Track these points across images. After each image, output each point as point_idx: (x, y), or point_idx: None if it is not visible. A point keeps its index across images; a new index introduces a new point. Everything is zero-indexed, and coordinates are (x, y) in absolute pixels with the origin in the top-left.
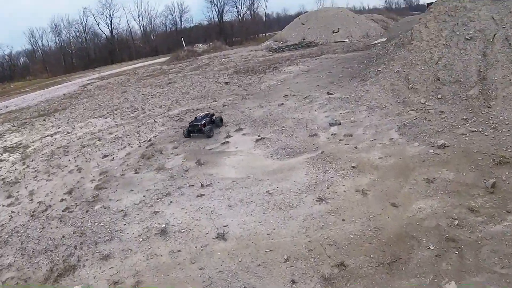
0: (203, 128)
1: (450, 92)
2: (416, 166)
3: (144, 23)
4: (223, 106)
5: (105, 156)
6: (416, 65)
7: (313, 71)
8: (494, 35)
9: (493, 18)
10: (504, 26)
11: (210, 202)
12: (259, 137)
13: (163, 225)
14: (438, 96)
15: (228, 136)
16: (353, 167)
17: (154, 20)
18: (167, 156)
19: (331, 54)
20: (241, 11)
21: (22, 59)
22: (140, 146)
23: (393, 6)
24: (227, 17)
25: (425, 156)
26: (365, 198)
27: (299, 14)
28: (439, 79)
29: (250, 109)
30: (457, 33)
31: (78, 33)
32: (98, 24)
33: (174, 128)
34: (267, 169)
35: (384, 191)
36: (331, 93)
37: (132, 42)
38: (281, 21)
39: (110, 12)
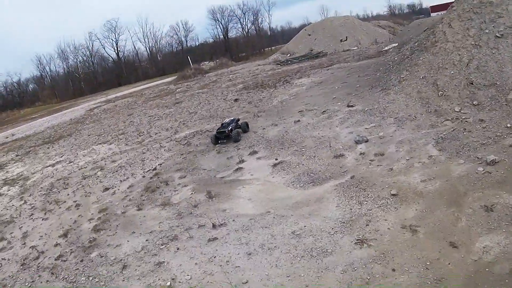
0: (230, 133)
1: (486, 97)
2: (468, 189)
3: (150, 44)
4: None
5: (106, 189)
6: (445, 69)
7: (327, 82)
8: None
9: None
10: None
11: (225, 249)
12: (277, 161)
13: (169, 283)
14: (474, 103)
15: (242, 161)
16: (393, 195)
17: (160, 41)
18: (173, 187)
19: (343, 63)
20: (246, 26)
21: (31, 85)
22: (144, 177)
23: (396, 12)
24: (232, 34)
25: (475, 176)
26: (415, 237)
27: (303, 26)
28: (472, 83)
29: (263, 128)
30: (486, 31)
31: (85, 58)
32: (104, 48)
33: (181, 154)
34: (290, 202)
35: (437, 226)
36: (352, 106)
37: (139, 64)
38: (285, 34)
39: (115, 35)
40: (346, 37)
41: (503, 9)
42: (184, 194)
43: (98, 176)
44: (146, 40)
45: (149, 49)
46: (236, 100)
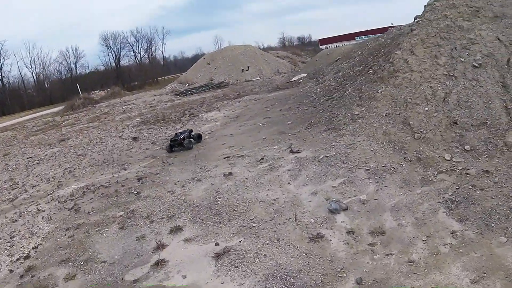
0: (183, 141)
1: (479, 140)
2: None
3: (37, 71)
4: (139, 181)
5: None
6: (415, 105)
7: (244, 117)
8: (508, 60)
9: (499, 39)
10: None
11: None
12: (219, 248)
13: None
14: (465, 147)
15: (161, 246)
16: None
17: (48, 67)
18: None
19: (253, 94)
20: (139, 54)
21: None
22: (11, 272)
23: (286, 43)
24: (124, 62)
25: None
26: None
27: (196, 56)
28: (456, 123)
29: (182, 186)
30: (462, 59)
31: None
32: None
33: (67, 229)
34: None
35: None
36: (297, 151)
37: (25, 91)
38: (178, 64)
39: (0, 60)
40: (248, 66)
41: (476, 34)
42: None
43: None
44: (33, 65)
45: (36, 75)
46: (135, 138)
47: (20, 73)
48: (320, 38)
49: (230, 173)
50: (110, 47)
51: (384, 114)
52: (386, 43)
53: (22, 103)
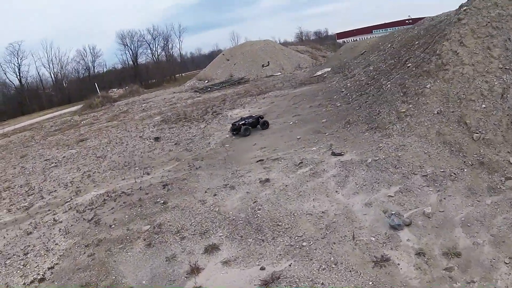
0: (241, 127)
1: None
2: None
3: (55, 70)
4: (165, 188)
5: None
6: (471, 102)
7: (272, 115)
8: None
9: None
10: None
11: None
12: (266, 273)
13: None
14: None
15: (196, 270)
16: None
17: (66, 66)
18: None
19: (277, 90)
20: (156, 52)
21: None
22: None
23: (303, 38)
24: (141, 59)
25: None
26: None
27: (213, 53)
28: None
29: (214, 194)
30: None
31: None
32: (5, 73)
33: (86, 245)
34: None
35: None
36: (339, 154)
37: (43, 91)
38: (195, 61)
39: (18, 60)
40: (268, 62)
41: None
42: None
43: None
44: (51, 65)
45: (54, 75)
46: (156, 138)
47: (38, 73)
48: (337, 32)
49: (267, 180)
50: (127, 45)
51: (436, 112)
52: (420, 34)
53: (41, 103)
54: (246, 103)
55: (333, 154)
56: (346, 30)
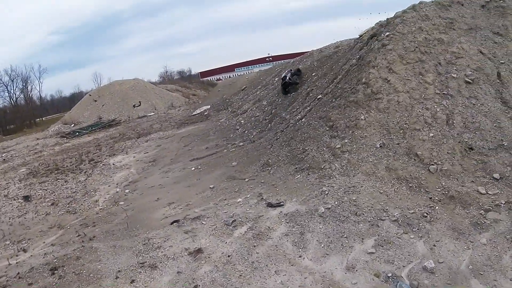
0: (290, 80)
1: (503, 165)
2: None
3: None
4: (53, 274)
5: None
6: (415, 131)
7: (165, 160)
8: (499, 74)
9: (481, 52)
10: (502, 61)
11: None
12: None
13: None
14: (494, 176)
15: None
16: None
17: None
18: None
19: (159, 131)
20: (14, 95)
21: None
22: None
23: (167, 78)
24: None
25: None
26: None
27: (74, 95)
28: (472, 148)
29: (132, 280)
30: (453, 75)
31: None
32: None
33: None
34: None
35: None
36: (278, 205)
37: None
38: (55, 103)
39: None
40: (140, 102)
41: (458, 48)
42: None
43: None
44: None
45: None
46: (26, 198)
47: None
48: (201, 71)
49: (199, 250)
50: None
51: (379, 146)
52: (313, 66)
53: None
54: (128, 147)
55: (270, 205)
56: (210, 69)
